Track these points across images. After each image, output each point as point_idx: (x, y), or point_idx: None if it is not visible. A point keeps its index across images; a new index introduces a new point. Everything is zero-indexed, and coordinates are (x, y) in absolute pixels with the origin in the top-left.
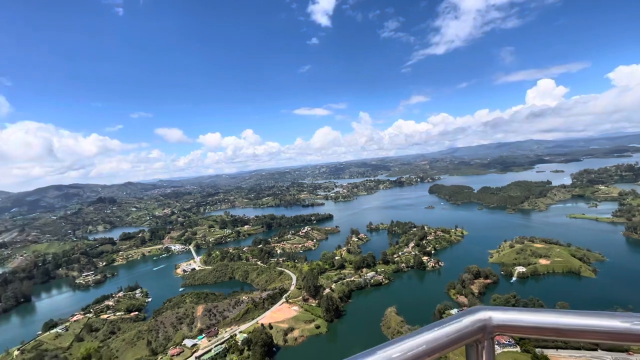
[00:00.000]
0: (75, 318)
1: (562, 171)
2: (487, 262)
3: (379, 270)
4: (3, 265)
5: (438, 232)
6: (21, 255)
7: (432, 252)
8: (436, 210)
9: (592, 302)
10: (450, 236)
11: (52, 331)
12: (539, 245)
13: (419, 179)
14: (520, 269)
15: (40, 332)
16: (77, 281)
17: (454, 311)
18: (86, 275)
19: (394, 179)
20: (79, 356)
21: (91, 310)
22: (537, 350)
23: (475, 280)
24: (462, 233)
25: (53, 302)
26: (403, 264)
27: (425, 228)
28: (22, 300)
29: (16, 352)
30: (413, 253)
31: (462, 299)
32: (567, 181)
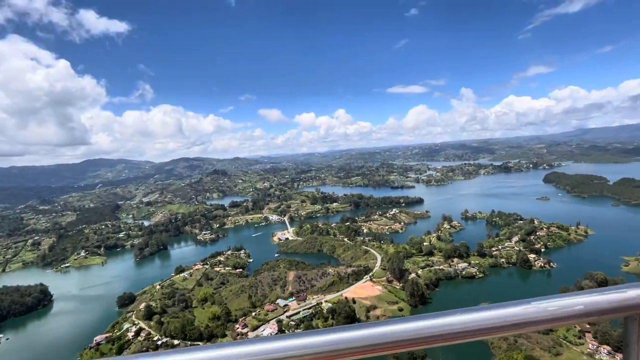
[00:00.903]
0: (196, 267)
1: None
2: (619, 270)
3: (472, 262)
4: (149, 219)
5: (552, 228)
6: (161, 213)
7: (542, 250)
8: (552, 203)
9: None
10: (569, 234)
11: (180, 275)
12: None
13: (531, 165)
14: None
15: (173, 274)
16: (198, 237)
17: None
18: (204, 234)
19: (498, 163)
20: (198, 297)
21: (207, 262)
22: None
23: None
24: (585, 232)
25: (182, 251)
26: (503, 259)
27: (535, 222)
28: (161, 247)
29: (158, 287)
30: (517, 248)
31: None
32: None
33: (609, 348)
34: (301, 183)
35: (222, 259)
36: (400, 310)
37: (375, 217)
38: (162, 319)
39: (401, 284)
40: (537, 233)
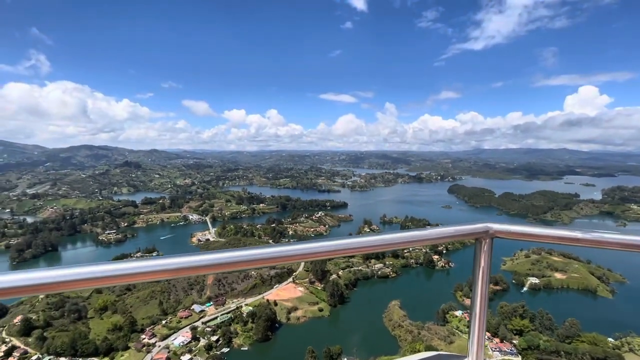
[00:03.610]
0: None
1: (593, 185)
2: (499, 268)
3: (387, 263)
4: (35, 215)
5: None
6: (52, 207)
7: (444, 251)
8: (453, 211)
9: (603, 323)
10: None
11: None
12: (556, 259)
13: (439, 177)
14: (533, 279)
15: None
16: (100, 237)
17: (458, 312)
18: (109, 233)
19: (413, 174)
20: (96, 307)
21: None
22: None
23: None
24: None
25: (77, 253)
26: (412, 260)
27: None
28: (49, 248)
29: (42, 296)
30: (424, 250)
31: (468, 301)
32: (597, 196)
33: (489, 334)
34: (227, 182)
35: None
36: (321, 310)
37: (302, 219)
38: (44, 334)
39: (323, 285)
40: None
